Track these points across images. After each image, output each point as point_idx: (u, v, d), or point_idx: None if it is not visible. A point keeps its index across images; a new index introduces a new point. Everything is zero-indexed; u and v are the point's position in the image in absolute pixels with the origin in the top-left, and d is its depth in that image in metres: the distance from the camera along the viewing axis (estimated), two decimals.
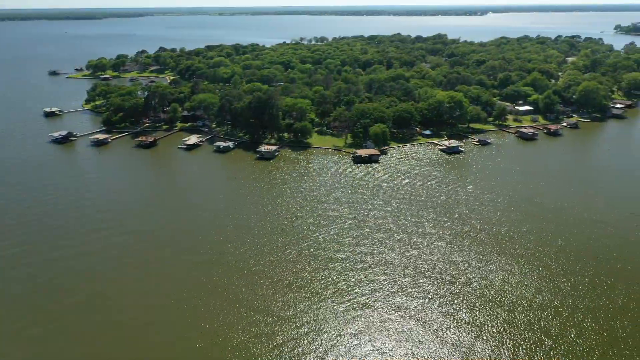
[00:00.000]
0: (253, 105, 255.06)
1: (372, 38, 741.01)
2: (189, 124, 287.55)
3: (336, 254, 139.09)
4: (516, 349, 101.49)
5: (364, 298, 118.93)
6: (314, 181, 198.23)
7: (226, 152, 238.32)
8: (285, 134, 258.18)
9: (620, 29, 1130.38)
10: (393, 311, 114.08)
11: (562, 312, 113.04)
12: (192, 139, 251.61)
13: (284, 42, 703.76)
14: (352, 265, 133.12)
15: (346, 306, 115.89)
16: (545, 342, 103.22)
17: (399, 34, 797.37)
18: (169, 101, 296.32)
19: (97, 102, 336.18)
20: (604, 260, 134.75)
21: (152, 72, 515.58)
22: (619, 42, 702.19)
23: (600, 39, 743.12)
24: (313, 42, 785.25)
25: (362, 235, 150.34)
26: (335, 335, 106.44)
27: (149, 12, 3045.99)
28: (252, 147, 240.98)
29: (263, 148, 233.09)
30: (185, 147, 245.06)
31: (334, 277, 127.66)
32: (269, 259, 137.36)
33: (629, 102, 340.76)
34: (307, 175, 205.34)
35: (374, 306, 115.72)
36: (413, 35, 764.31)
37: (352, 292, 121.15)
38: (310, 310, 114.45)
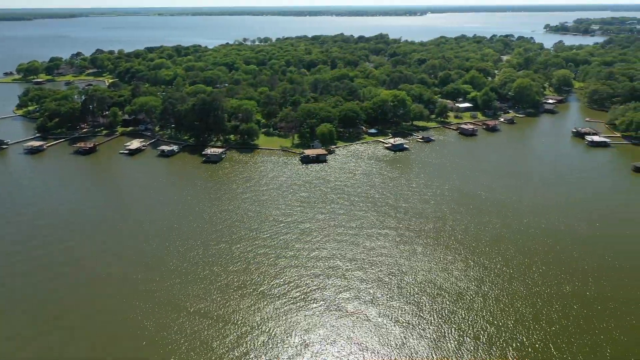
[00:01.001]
0: (197, 108, 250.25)
1: (315, 38, 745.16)
2: (130, 128, 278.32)
3: (287, 252, 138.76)
4: (461, 338, 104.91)
5: (314, 295, 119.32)
6: (262, 183, 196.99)
7: (171, 156, 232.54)
8: (232, 136, 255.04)
9: (549, 28, 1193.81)
10: (337, 310, 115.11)
11: (501, 299, 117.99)
12: (135, 144, 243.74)
13: (227, 43, 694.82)
14: (304, 264, 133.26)
15: (296, 305, 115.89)
16: (488, 329, 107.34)
17: (342, 34, 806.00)
18: (109, 105, 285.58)
19: (30, 108, 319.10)
20: (540, 249, 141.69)
21: (89, 75, 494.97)
22: (549, 41, 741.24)
23: (532, 37, 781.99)
24: (257, 43, 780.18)
25: (311, 234, 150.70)
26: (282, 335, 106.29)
27: (83, 13, 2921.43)
28: (197, 150, 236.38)
29: (209, 151, 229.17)
30: (127, 152, 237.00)
31: (286, 279, 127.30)
32: (216, 263, 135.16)
33: (560, 98, 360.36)
34: (256, 177, 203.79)
35: (324, 304, 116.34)
36: (356, 35, 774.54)
37: (301, 291, 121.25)
38: (256, 311, 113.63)
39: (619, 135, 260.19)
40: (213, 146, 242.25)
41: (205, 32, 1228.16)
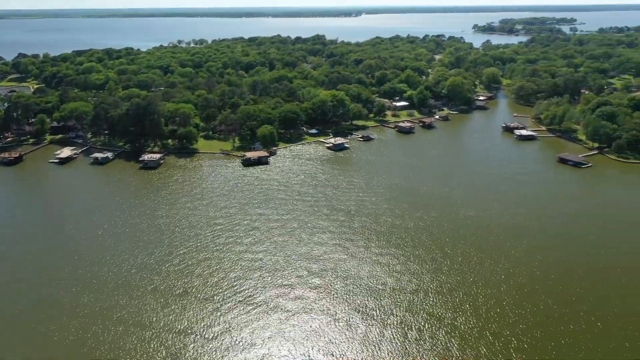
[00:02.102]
0: (132, 112, 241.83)
1: (252, 40, 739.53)
2: (59, 135, 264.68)
3: (230, 257, 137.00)
4: (406, 332, 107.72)
5: (258, 299, 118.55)
6: (203, 187, 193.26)
7: (105, 164, 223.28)
8: (170, 141, 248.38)
9: (477, 29, 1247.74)
10: (281, 311, 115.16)
11: (441, 290, 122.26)
12: (65, 152, 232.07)
13: (161, 46, 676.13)
14: (246, 267, 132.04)
15: (238, 309, 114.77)
16: (430, 321, 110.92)
17: (278, 35, 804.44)
18: (35, 112, 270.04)
19: None
20: (475, 239, 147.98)
21: (11, 80, 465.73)
22: (477, 40, 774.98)
23: (462, 37, 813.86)
24: (192, 45, 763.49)
25: (254, 237, 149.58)
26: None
27: (1, 15, 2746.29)
28: (134, 157, 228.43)
29: (146, 157, 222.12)
30: (57, 161, 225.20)
31: (228, 283, 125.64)
32: (158, 270, 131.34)
33: (490, 95, 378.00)
34: (196, 182, 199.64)
35: (267, 307, 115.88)
36: (293, 36, 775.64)
37: (244, 294, 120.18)
38: (200, 317, 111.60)
39: (544, 128, 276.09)
40: (150, 152, 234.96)
41: (137, 34, 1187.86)
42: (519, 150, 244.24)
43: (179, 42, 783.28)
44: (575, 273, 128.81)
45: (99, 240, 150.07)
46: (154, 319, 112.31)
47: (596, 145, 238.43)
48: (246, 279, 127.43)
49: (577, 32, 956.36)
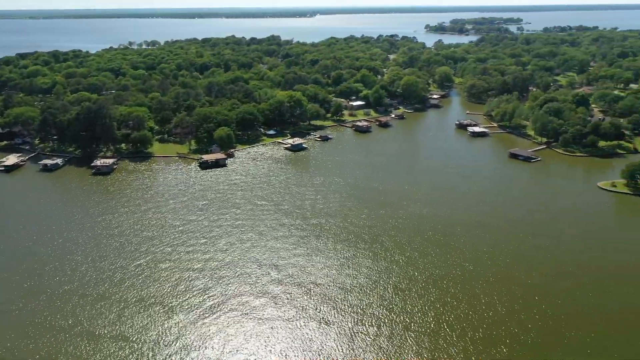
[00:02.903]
0: (82, 117, 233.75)
1: (206, 41, 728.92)
2: (4, 142, 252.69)
3: (193, 265, 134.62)
4: (358, 327, 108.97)
5: (218, 304, 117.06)
6: (159, 191, 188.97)
7: (55, 170, 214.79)
8: (123, 145, 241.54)
9: (429, 28, 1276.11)
10: (243, 315, 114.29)
11: (399, 286, 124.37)
12: (11, 159, 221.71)
13: (111, 47, 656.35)
14: (206, 272, 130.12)
15: (199, 312, 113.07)
16: (389, 316, 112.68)
17: (233, 36, 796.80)
18: None
19: None
20: (432, 235, 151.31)
21: None
22: (430, 40, 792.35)
23: (415, 37, 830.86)
24: (144, 47, 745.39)
25: (214, 241, 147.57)
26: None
27: None
28: (85, 162, 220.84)
29: (99, 162, 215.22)
30: (2, 169, 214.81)
31: (186, 289, 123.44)
32: (112, 279, 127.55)
33: (443, 93, 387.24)
34: (152, 186, 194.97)
35: (237, 311, 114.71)
36: (247, 37, 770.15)
37: (207, 299, 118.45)
38: (163, 327, 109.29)
39: (495, 125, 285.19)
40: (103, 157, 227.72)
41: (86, 36, 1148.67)
42: (473, 147, 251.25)
43: (130, 43, 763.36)
44: (530, 261, 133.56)
45: (49, 249, 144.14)
46: (106, 330, 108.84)
47: (544, 140, 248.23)
48: (206, 284, 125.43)
49: (523, 32, 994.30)
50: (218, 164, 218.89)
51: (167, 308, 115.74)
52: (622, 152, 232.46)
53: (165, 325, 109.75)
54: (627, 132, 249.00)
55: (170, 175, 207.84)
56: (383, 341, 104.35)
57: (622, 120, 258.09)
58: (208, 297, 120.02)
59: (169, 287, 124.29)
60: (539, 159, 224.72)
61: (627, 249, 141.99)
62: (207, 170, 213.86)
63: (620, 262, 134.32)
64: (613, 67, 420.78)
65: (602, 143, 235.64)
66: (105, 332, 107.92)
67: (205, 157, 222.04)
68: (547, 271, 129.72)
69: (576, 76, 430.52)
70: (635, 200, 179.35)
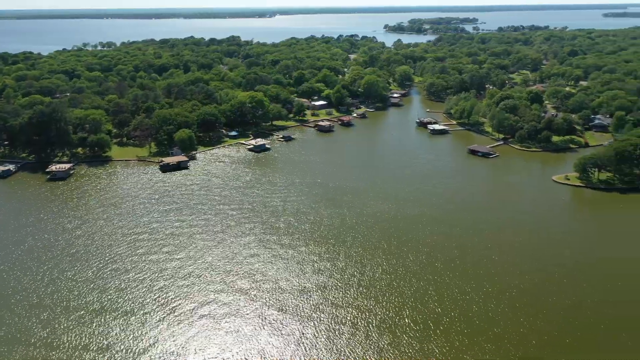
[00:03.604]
0: (35, 121, 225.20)
1: (164, 42, 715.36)
2: None
3: (156, 276, 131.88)
4: (339, 327, 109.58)
5: (184, 308, 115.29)
6: (119, 196, 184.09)
7: (7, 177, 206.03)
8: (80, 149, 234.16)
9: (388, 28, 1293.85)
10: (211, 318, 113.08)
11: (362, 282, 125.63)
12: None
13: (64, 49, 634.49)
14: (169, 276, 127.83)
15: (161, 316, 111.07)
16: (354, 313, 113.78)
17: (192, 36, 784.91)
18: None
19: None
20: (395, 232, 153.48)
21: None
22: (389, 40, 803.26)
23: (374, 37, 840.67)
24: (99, 48, 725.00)
25: (176, 246, 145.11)
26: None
27: None
28: (40, 168, 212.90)
29: (54, 167, 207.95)
30: None
31: (151, 295, 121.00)
32: (69, 288, 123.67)
33: (403, 92, 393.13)
34: (111, 191, 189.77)
35: (183, 313, 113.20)
36: (207, 37, 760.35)
37: (172, 303, 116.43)
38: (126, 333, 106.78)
39: (455, 122, 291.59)
40: (58, 162, 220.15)
41: (35, 37, 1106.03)
42: (433, 144, 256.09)
43: (85, 45, 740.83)
44: (493, 254, 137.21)
45: (3, 260, 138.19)
46: (66, 338, 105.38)
47: (501, 136, 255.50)
48: (170, 289, 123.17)
49: (479, 31, 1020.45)
50: (179, 167, 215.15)
51: (124, 312, 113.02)
52: (574, 146, 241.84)
53: (128, 330, 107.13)
54: (578, 127, 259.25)
55: (130, 179, 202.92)
56: (357, 340, 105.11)
57: (573, 115, 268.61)
58: (173, 301, 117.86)
59: (130, 292, 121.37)
60: (497, 154, 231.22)
61: (582, 240, 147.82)
62: (168, 173, 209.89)
63: (575, 252, 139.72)
64: (564, 65, 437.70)
65: (555, 138, 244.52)
66: (62, 342, 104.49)
67: (166, 159, 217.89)
68: (508, 264, 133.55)
69: (530, 74, 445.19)
70: (588, 192, 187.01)
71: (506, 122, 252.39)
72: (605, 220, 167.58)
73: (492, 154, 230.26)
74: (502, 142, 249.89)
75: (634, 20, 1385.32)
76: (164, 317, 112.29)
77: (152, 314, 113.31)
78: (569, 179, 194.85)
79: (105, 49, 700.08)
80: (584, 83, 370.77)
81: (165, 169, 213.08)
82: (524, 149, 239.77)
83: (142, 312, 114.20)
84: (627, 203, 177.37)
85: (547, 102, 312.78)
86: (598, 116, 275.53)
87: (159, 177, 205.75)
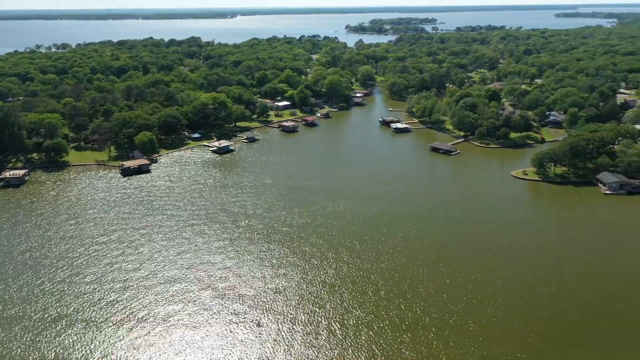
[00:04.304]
0: None
1: (122, 43, 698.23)
2: None
3: (115, 285, 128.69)
4: (294, 326, 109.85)
5: (151, 316, 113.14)
6: (77, 202, 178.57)
7: None
8: (35, 155, 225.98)
9: (350, 29, 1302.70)
10: (181, 326, 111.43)
11: (327, 282, 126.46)
12: None
13: (16, 51, 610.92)
14: (134, 284, 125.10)
15: (122, 320, 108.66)
16: (316, 312, 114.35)
17: (151, 37, 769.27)
18: None
19: None
20: (361, 231, 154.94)
21: None
22: (351, 40, 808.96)
23: (336, 37, 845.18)
24: (54, 50, 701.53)
25: (138, 252, 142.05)
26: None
27: None
28: None
29: (8, 174, 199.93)
30: None
31: (116, 304, 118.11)
32: (26, 301, 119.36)
33: (366, 91, 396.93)
34: (69, 197, 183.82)
35: (150, 321, 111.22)
36: (166, 39, 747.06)
37: (138, 312, 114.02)
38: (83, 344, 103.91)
39: (417, 121, 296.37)
40: (12, 168, 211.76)
41: None
42: (396, 143, 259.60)
43: (38, 47, 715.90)
44: (454, 248, 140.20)
45: None
46: (19, 351, 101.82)
47: (462, 133, 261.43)
48: (136, 297, 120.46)
49: (438, 31, 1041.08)
50: (141, 170, 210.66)
51: (89, 323, 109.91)
52: (531, 142, 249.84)
53: (84, 339, 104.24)
54: (534, 124, 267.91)
55: (90, 184, 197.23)
56: (319, 338, 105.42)
57: (529, 112, 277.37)
58: (137, 309, 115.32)
59: (86, 301, 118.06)
60: (458, 151, 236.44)
61: (540, 231, 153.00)
62: (130, 177, 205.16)
63: (533, 242, 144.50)
64: (519, 64, 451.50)
65: (513, 134, 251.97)
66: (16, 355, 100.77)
67: (127, 163, 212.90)
68: (469, 256, 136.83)
69: (487, 72, 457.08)
70: (545, 186, 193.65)
71: (466, 120, 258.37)
72: (562, 212, 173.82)
73: (453, 151, 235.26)
74: (462, 140, 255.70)
75: (584, 20, 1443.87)
76: (127, 325, 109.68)
77: (114, 324, 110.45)
78: (527, 174, 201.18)
79: (60, 50, 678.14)
80: (538, 81, 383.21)
81: (126, 173, 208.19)
82: (483, 145, 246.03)
83: (103, 321, 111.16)
84: (581, 195, 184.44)
85: (504, 99, 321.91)
86: (553, 113, 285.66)
87: (119, 181, 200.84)
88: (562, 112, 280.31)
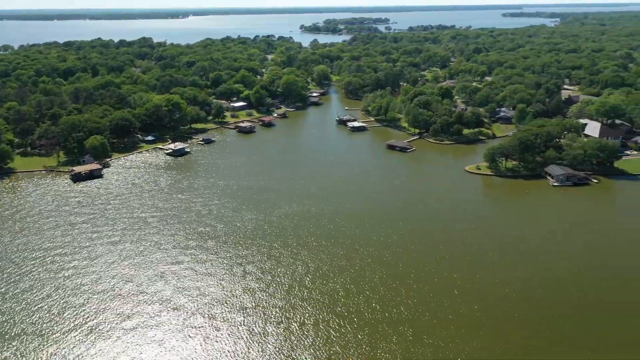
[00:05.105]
0: None
1: (69, 44, 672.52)
2: None
3: (67, 284, 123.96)
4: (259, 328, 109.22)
5: (93, 322, 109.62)
6: (24, 211, 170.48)
7: None
8: None
9: (304, 29, 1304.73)
10: (140, 336, 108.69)
11: (293, 288, 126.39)
12: None
13: None
14: (85, 294, 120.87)
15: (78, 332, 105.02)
16: (291, 311, 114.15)
17: (99, 38, 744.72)
18: None
19: None
20: (319, 230, 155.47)
21: None
22: (306, 40, 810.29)
23: (291, 37, 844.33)
24: None
25: (92, 260, 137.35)
26: None
27: None
28: None
29: None
30: None
31: (68, 314, 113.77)
32: None
33: (322, 91, 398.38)
34: (15, 206, 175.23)
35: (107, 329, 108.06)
36: (116, 39, 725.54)
37: (91, 322, 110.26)
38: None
39: (373, 119, 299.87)
40: None
41: None
42: (353, 141, 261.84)
43: None
44: (411, 243, 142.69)
45: None
46: None
47: (417, 131, 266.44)
48: (87, 305, 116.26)
49: (391, 31, 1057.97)
50: (93, 175, 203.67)
51: (38, 334, 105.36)
52: (483, 138, 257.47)
53: (45, 352, 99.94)
54: (485, 120, 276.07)
55: (37, 192, 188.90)
56: (274, 339, 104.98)
57: (481, 109, 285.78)
58: (93, 317, 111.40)
59: (43, 312, 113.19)
60: (414, 148, 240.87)
61: (493, 224, 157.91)
62: (81, 182, 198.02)
63: (486, 233, 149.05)
64: (470, 62, 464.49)
65: (465, 131, 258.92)
66: None
67: (77, 168, 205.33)
68: (426, 250, 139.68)
69: (439, 71, 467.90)
70: (497, 180, 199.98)
71: (420, 117, 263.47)
72: (515, 205, 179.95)
73: (409, 148, 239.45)
74: (417, 137, 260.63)
75: (529, 19, 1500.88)
76: (85, 334, 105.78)
77: (70, 333, 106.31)
78: (480, 169, 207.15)
79: (1, 52, 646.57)
80: (488, 78, 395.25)
81: (77, 178, 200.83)
82: (438, 142, 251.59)
83: (59, 331, 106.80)
84: (531, 188, 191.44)
85: (456, 97, 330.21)
86: (502, 109, 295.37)
87: (70, 187, 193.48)
88: (511, 108, 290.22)
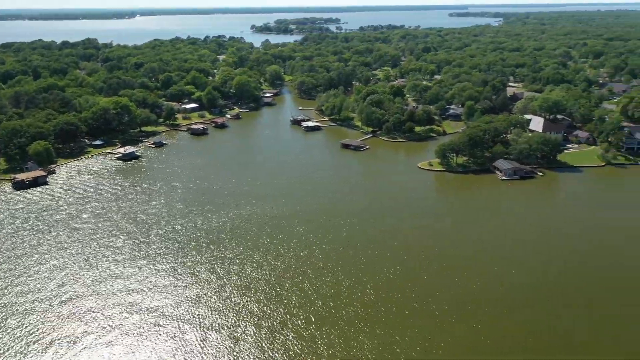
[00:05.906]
0: None
1: (7, 45, 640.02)
2: None
3: (12, 299, 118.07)
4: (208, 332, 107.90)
5: (80, 332, 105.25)
6: None
7: None
8: None
9: (255, 29, 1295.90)
10: (94, 347, 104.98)
11: (240, 284, 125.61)
12: None
13: None
14: (27, 307, 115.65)
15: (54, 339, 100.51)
16: (267, 311, 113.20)
17: (40, 39, 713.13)
18: None
19: None
20: (274, 229, 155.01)
21: None
22: (257, 40, 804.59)
23: (242, 38, 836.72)
24: None
25: (38, 270, 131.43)
26: None
27: None
28: None
29: None
30: None
31: (17, 330, 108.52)
32: None
33: (275, 91, 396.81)
34: None
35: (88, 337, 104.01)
36: (59, 41, 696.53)
37: (37, 334, 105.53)
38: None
39: (327, 119, 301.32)
40: None
41: None
42: (308, 141, 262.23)
43: None
44: (365, 241, 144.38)
45: None
46: None
47: (370, 129, 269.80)
48: (40, 320, 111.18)
49: (342, 31, 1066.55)
50: (37, 183, 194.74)
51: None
52: (434, 135, 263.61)
53: None
54: (436, 117, 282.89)
55: None
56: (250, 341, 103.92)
57: (431, 107, 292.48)
58: (45, 335, 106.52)
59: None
60: (368, 147, 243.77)
61: (446, 219, 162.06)
62: (24, 190, 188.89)
63: (439, 227, 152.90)
64: (420, 61, 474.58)
65: (417, 128, 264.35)
66: None
67: (20, 176, 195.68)
68: (378, 246, 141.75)
69: (391, 70, 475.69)
70: (448, 175, 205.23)
71: (373, 116, 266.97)
72: (465, 199, 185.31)
73: (363, 147, 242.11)
74: (371, 135, 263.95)
75: (474, 19, 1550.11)
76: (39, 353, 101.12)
77: (23, 353, 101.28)
78: (432, 165, 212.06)
79: None
80: (438, 77, 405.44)
81: (20, 186, 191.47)
82: (391, 140, 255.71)
83: (12, 352, 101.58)
84: (481, 182, 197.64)
85: (408, 95, 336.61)
86: (452, 106, 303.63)
87: (12, 196, 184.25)
88: (460, 106, 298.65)
